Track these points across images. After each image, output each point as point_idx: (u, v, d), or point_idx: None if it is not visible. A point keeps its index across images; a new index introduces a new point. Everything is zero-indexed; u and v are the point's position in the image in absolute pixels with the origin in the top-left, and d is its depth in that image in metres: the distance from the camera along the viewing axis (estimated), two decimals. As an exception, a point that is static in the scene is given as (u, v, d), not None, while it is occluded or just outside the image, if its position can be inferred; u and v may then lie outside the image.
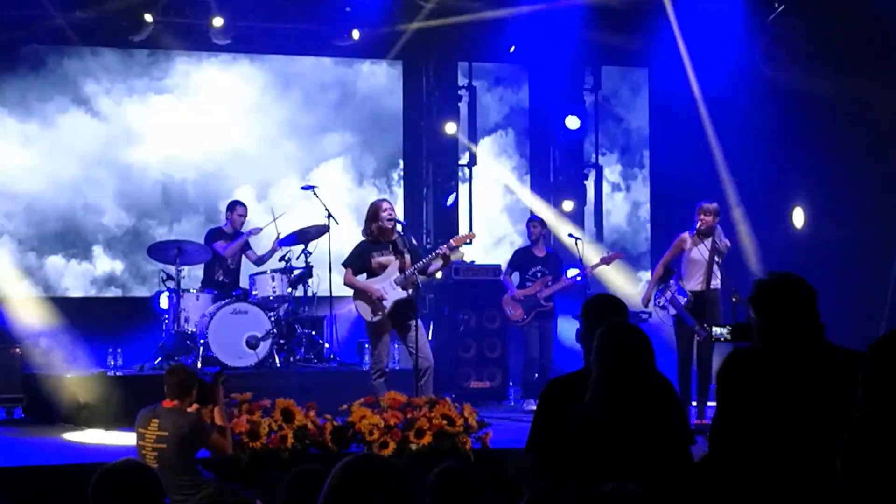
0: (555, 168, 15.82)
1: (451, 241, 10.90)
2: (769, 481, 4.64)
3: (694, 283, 11.11)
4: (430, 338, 11.90)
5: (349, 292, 10.70)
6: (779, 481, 4.63)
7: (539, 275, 12.69)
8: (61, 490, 8.17)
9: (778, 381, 4.74)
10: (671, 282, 11.15)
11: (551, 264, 12.80)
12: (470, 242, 11.76)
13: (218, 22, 13.68)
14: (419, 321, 10.38)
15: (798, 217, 14.47)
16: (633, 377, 5.01)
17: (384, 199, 10.79)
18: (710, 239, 11.05)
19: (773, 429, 4.68)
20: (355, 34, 14.09)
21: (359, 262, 10.47)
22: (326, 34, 14.32)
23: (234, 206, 13.01)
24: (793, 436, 4.64)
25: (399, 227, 10.54)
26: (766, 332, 4.85)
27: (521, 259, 12.92)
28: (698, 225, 11.08)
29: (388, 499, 3.38)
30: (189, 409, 7.55)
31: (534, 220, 13.13)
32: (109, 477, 4.19)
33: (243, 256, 12.99)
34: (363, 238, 10.55)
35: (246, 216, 12.96)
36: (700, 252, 11.08)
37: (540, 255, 12.84)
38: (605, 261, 12.82)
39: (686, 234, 11.23)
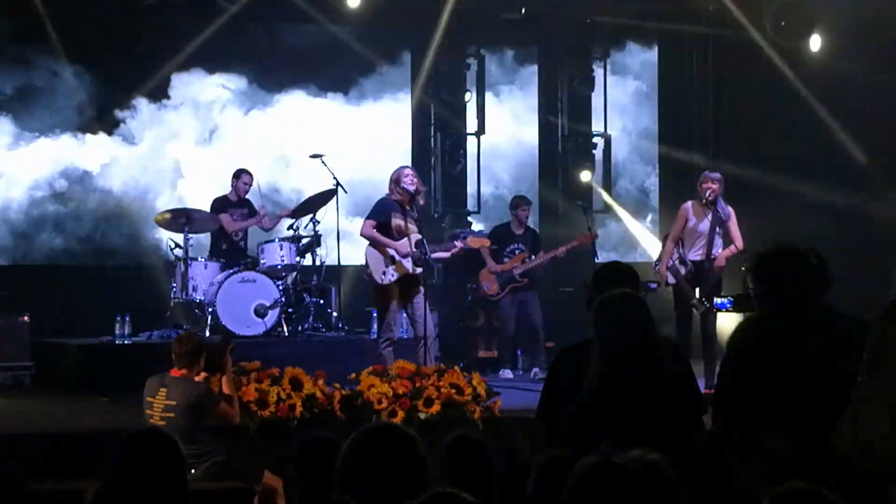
0: (563, 137, 15.77)
1: (468, 240, 11.02)
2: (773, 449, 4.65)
3: (694, 253, 11.09)
4: (434, 308, 11.90)
5: (358, 261, 10.67)
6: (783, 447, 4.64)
7: (517, 251, 12.72)
8: (70, 457, 8.20)
9: (780, 349, 4.74)
10: (673, 250, 11.15)
11: (529, 241, 12.83)
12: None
13: None
14: (426, 293, 10.36)
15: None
16: (630, 350, 5.00)
17: (405, 167, 10.75)
18: (716, 208, 11.02)
19: (776, 396, 4.68)
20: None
21: (382, 216, 10.42)
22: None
23: (240, 174, 12.95)
24: (796, 403, 4.64)
25: (420, 198, 10.51)
26: (763, 300, 4.85)
27: (499, 236, 12.92)
28: (707, 194, 11.03)
29: (402, 467, 3.37)
30: (197, 378, 7.55)
31: (524, 206, 13.02)
32: (132, 444, 4.19)
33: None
34: (387, 195, 10.51)
35: (251, 184, 12.91)
36: (705, 222, 11.05)
37: (518, 232, 12.86)
38: (578, 241, 12.65)
39: (689, 203, 11.20)
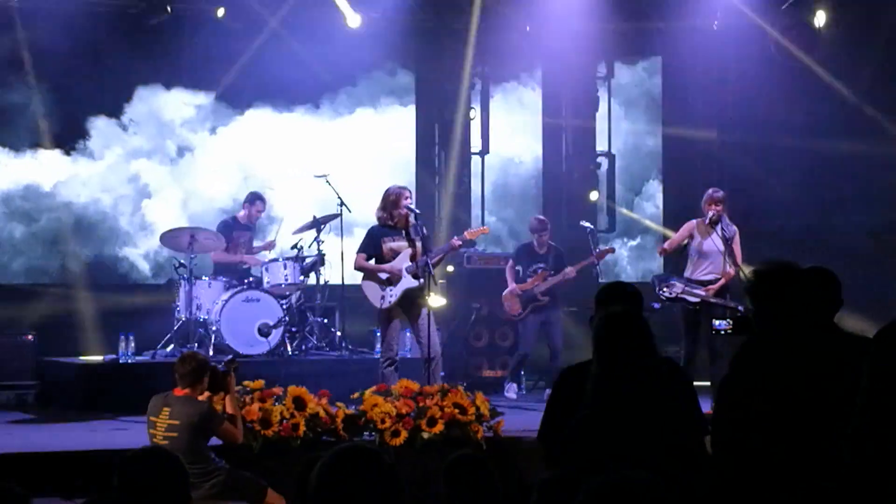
0: (567, 156, 15.81)
1: (465, 233, 10.92)
2: (771, 470, 4.64)
3: (704, 273, 11.03)
4: (439, 326, 11.88)
5: (361, 280, 10.68)
6: (779, 469, 4.63)
7: (539, 270, 12.68)
8: (72, 476, 8.20)
9: (778, 370, 4.73)
10: (673, 280, 11.06)
11: (553, 259, 12.77)
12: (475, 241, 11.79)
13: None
14: (430, 310, 10.36)
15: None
16: (628, 369, 5.00)
17: (405, 188, 10.73)
18: (718, 227, 11.01)
19: (775, 417, 4.67)
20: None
21: (371, 247, 10.45)
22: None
23: (255, 199, 12.95)
24: (794, 423, 4.64)
25: (412, 217, 10.51)
26: (762, 320, 4.84)
27: (522, 254, 12.90)
28: (710, 215, 11.02)
29: (374, 489, 3.35)
30: (201, 397, 7.55)
31: (536, 222, 13.00)
32: (135, 462, 4.20)
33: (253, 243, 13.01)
34: (376, 222, 10.53)
35: (263, 212, 12.96)
36: (712, 242, 11.02)
37: (541, 251, 12.80)
38: (597, 256, 12.68)
39: (694, 222, 11.17)
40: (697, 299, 10.89)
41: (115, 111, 14.44)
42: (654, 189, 16.50)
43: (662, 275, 11.46)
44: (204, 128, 14.85)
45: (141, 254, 14.45)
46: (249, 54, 14.24)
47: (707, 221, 11.04)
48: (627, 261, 15.85)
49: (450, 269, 12.91)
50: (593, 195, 15.21)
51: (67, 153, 14.28)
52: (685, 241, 11.21)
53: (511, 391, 12.63)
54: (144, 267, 14.22)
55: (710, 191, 11.21)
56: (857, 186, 14.04)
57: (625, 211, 15.25)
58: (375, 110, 15.51)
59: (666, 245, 11.46)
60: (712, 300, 10.87)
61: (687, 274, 11.12)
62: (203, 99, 14.79)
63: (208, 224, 12.98)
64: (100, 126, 14.38)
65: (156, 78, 14.44)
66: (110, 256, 14.26)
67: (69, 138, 14.31)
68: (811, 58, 13.70)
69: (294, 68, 14.40)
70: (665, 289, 11.03)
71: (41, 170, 14.12)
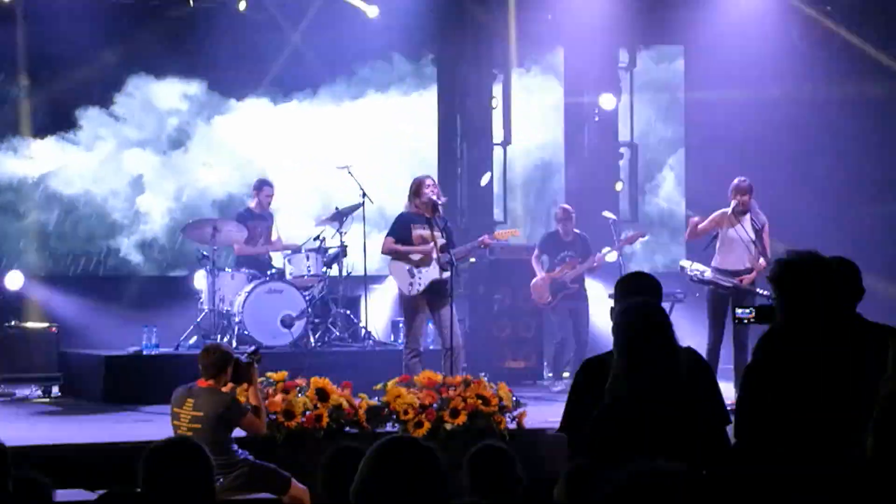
0: (589, 146, 15.78)
1: (496, 233, 10.98)
2: (794, 460, 4.62)
3: (733, 263, 10.98)
4: (462, 317, 11.87)
5: (384, 271, 10.70)
6: (804, 459, 4.60)
7: (567, 258, 12.64)
8: (97, 468, 8.22)
9: (802, 359, 4.71)
10: (709, 268, 10.99)
11: (580, 247, 12.74)
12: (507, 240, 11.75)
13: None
14: (452, 302, 10.36)
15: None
16: (649, 358, 4.98)
17: (428, 176, 10.76)
18: (747, 216, 10.95)
19: (798, 406, 4.65)
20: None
21: (400, 232, 10.45)
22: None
23: (262, 185, 12.96)
24: (818, 413, 4.61)
25: (438, 207, 10.51)
26: (784, 310, 4.82)
27: (549, 243, 12.89)
28: (735, 205, 10.97)
29: (421, 480, 3.36)
30: (224, 389, 7.56)
31: (561, 212, 12.98)
32: (161, 453, 4.20)
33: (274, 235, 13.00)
34: (405, 209, 10.53)
35: (273, 195, 12.93)
36: (738, 231, 10.96)
37: (567, 238, 12.78)
38: (629, 240, 12.74)
39: (726, 211, 11.09)
40: (730, 284, 10.84)
41: (105, 101, 14.28)
42: (662, 181, 16.42)
43: (689, 261, 11.39)
44: (199, 117, 14.70)
45: (134, 245, 14.36)
46: (247, 41, 14.19)
47: (731, 212, 10.99)
48: (642, 254, 15.75)
49: (472, 259, 12.89)
50: (618, 185, 15.18)
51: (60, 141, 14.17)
52: (714, 231, 11.14)
53: (558, 385, 12.43)
54: (138, 259, 14.14)
55: (736, 181, 11.12)
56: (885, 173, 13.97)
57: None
58: (392, 96, 15.41)
59: (697, 219, 11.31)
60: (746, 287, 10.82)
61: (714, 264, 11.07)
62: (196, 88, 14.66)
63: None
64: (91, 116, 14.29)
65: (147, 67, 14.31)
66: (101, 248, 14.22)
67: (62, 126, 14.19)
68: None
69: (295, 55, 14.43)
70: (696, 271, 10.98)
71: (30, 160, 14.02)
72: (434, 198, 10.36)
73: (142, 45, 14.03)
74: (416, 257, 10.31)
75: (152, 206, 14.35)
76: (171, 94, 14.54)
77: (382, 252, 10.67)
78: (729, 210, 11.01)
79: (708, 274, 10.96)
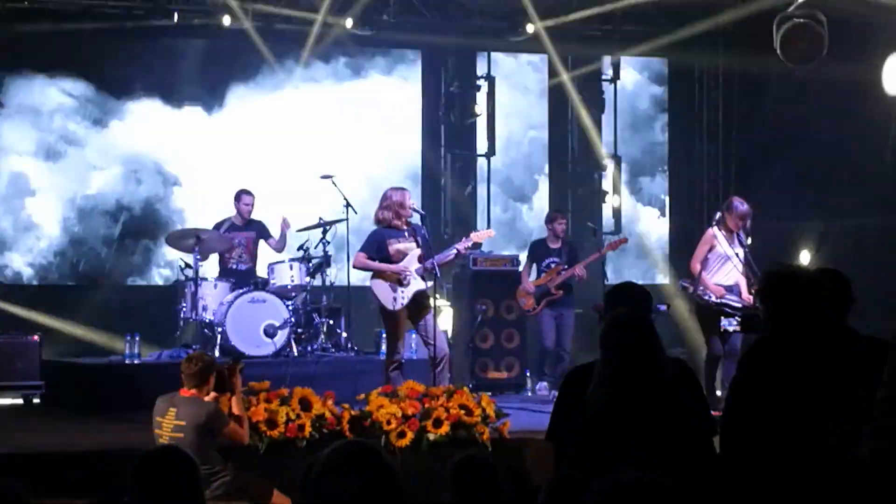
0: (573, 159, 15.84)
1: (471, 235, 10.94)
2: (781, 467, 4.64)
3: (724, 278, 10.96)
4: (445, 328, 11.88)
5: (367, 281, 10.68)
6: (790, 467, 4.62)
7: (552, 265, 12.69)
8: (78, 476, 8.21)
9: (788, 370, 4.73)
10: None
11: (566, 254, 12.79)
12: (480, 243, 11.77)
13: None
14: (435, 311, 10.37)
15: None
16: (634, 369, 5.00)
17: (406, 189, 10.76)
18: (737, 234, 10.96)
19: (783, 417, 4.67)
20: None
21: (374, 249, 10.43)
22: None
23: (241, 195, 12.91)
24: (803, 424, 4.63)
25: (418, 218, 10.54)
26: (771, 320, 4.84)
27: (536, 250, 12.95)
28: (731, 224, 10.94)
29: (372, 485, 3.33)
30: (207, 398, 7.56)
31: (559, 220, 13.01)
32: (152, 461, 4.19)
33: (259, 245, 12.97)
34: (377, 225, 10.52)
35: (253, 205, 12.90)
36: (727, 249, 10.97)
37: (554, 245, 12.83)
38: (610, 247, 12.82)
39: (715, 230, 11.09)
40: (740, 304, 10.81)
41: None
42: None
43: (688, 279, 11.29)
44: (88, 120, 14.39)
45: (24, 257, 14.24)
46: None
47: (724, 231, 10.96)
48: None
49: (455, 270, 12.90)
50: (615, 200, 15.28)
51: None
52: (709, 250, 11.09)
53: (542, 388, 12.55)
54: (28, 272, 14.02)
55: (738, 203, 11.07)
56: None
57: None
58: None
59: (696, 263, 11.10)
60: (753, 310, 10.75)
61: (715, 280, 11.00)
62: (85, 89, 14.37)
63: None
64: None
65: (33, 66, 14.06)
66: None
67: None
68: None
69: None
70: (704, 292, 10.89)
71: None
72: (411, 214, 10.41)
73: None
74: (402, 266, 10.31)
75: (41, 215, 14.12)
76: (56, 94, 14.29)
77: (354, 266, 10.68)
78: (722, 230, 11.00)
79: (715, 297, 10.86)
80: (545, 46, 14.92)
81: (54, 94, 14.23)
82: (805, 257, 13.47)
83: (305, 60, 14.60)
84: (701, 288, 10.93)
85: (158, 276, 14.48)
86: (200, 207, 14.35)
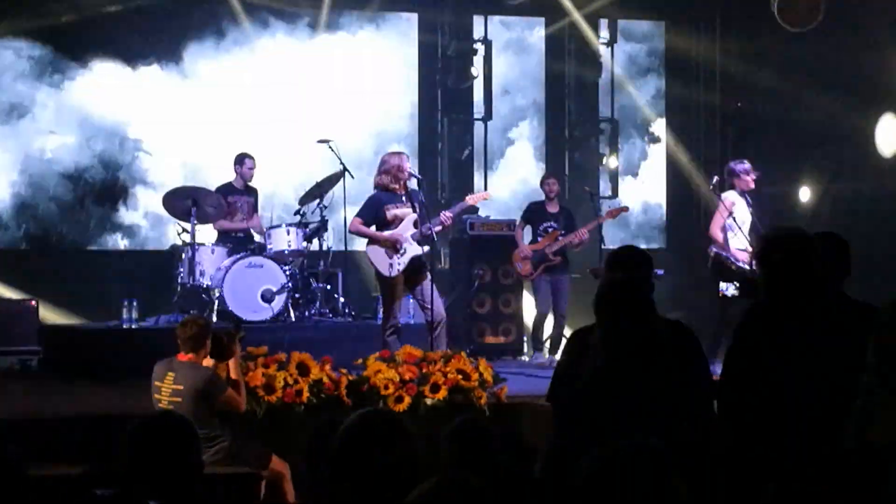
0: (570, 122, 15.82)
1: (467, 199, 10.91)
2: (776, 439, 4.63)
3: (742, 241, 10.93)
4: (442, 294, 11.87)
5: (364, 246, 10.67)
6: (785, 438, 4.62)
7: (550, 229, 12.65)
8: (76, 442, 8.22)
9: (782, 335, 4.71)
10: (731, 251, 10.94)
11: (564, 219, 12.74)
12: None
13: None
14: (433, 276, 10.37)
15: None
16: (628, 331, 4.99)
17: (404, 153, 10.74)
18: (745, 197, 10.97)
19: (780, 384, 4.66)
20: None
21: (372, 213, 10.42)
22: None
23: (243, 159, 12.83)
24: (799, 391, 4.62)
25: (415, 183, 10.52)
26: (767, 286, 4.82)
27: (533, 213, 12.87)
28: (741, 186, 10.96)
29: (394, 454, 3.36)
30: (204, 363, 7.57)
31: (549, 179, 13.02)
32: (150, 427, 4.20)
33: (256, 212, 12.94)
34: (375, 189, 10.51)
35: (254, 168, 12.84)
36: (747, 212, 10.97)
37: (552, 210, 12.78)
38: (610, 214, 12.76)
39: (729, 193, 11.08)
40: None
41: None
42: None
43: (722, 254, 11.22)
44: (42, 81, 14.16)
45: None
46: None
47: (739, 194, 10.97)
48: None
49: (452, 235, 12.87)
50: (612, 162, 15.25)
51: None
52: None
53: (538, 357, 12.47)
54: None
55: (743, 164, 11.07)
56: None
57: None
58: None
59: (718, 234, 11.09)
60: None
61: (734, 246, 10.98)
62: (40, 50, 14.15)
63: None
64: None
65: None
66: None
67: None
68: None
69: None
70: (735, 261, 10.84)
71: None
72: (409, 178, 10.38)
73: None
74: (398, 235, 10.29)
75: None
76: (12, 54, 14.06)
77: (350, 231, 10.67)
78: (736, 193, 10.99)
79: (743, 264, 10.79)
80: (542, 10, 14.86)
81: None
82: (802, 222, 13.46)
83: (310, 22, 14.48)
84: (731, 256, 10.88)
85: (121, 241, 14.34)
86: (166, 171, 14.30)
